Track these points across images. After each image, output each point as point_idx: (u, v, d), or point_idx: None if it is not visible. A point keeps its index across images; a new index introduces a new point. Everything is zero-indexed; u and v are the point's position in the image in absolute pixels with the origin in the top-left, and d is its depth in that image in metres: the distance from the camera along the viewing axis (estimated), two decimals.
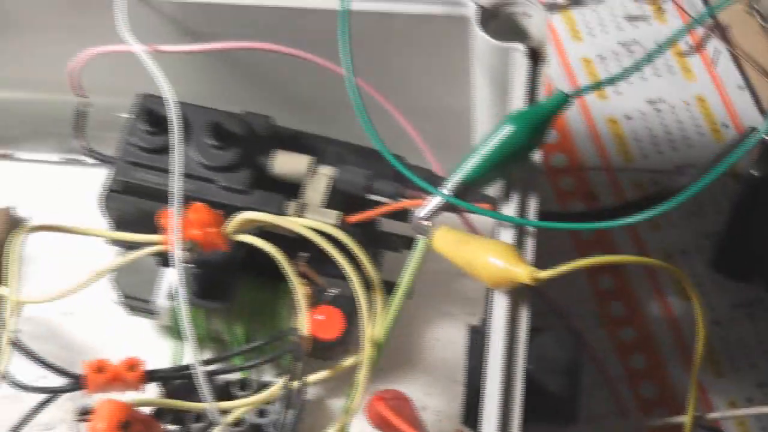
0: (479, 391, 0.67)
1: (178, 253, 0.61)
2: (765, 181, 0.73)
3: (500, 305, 0.59)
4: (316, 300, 0.65)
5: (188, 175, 0.65)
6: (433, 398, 0.70)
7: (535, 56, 0.67)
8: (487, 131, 0.72)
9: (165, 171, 0.65)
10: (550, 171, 0.84)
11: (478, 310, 0.72)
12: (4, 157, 0.82)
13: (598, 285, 0.79)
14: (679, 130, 0.84)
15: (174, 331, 0.70)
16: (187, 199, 0.64)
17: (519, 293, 0.59)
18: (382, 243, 0.69)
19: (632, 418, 0.75)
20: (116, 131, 0.71)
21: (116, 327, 0.73)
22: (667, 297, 0.79)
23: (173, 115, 0.64)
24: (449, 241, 0.61)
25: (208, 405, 0.60)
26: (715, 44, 0.88)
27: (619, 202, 0.81)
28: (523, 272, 0.56)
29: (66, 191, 0.79)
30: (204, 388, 0.60)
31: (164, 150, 0.66)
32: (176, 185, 0.62)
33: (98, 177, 0.75)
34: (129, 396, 0.64)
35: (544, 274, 0.56)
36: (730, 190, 0.79)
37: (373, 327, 0.63)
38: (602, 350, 0.77)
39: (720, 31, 0.88)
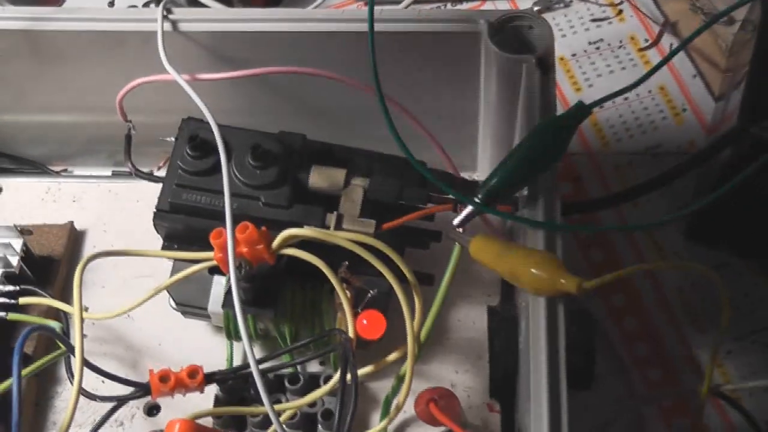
0: (504, 368, 0.54)
1: (234, 282, 0.47)
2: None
3: (541, 307, 0.45)
4: (357, 300, 0.51)
5: (232, 194, 0.50)
6: (461, 375, 0.56)
7: (543, 66, 0.52)
8: (495, 132, 0.58)
9: (210, 191, 0.52)
10: None
11: (494, 291, 0.59)
12: (64, 172, 0.67)
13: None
14: (646, 116, 0.70)
15: (226, 330, 0.54)
16: (233, 217, 0.50)
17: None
18: (412, 241, 0.54)
19: (632, 376, 0.61)
20: (160, 146, 0.56)
21: (173, 328, 0.58)
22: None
23: (220, 144, 0.49)
24: (488, 251, 0.46)
25: (267, 408, 0.46)
26: (669, 39, 0.72)
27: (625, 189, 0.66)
28: (570, 284, 0.42)
29: (117, 202, 0.64)
30: (261, 389, 0.46)
31: (208, 172, 0.52)
32: (227, 210, 0.46)
33: (145, 187, 0.61)
34: (193, 404, 0.52)
35: (590, 284, 0.42)
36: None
37: (414, 325, 0.49)
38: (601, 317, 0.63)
39: (670, 27, 0.73)
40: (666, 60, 0.50)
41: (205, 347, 0.57)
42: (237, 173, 0.51)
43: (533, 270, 0.43)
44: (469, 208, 0.47)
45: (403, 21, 0.54)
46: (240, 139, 0.52)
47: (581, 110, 0.47)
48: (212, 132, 0.51)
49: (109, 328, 0.57)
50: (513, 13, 0.53)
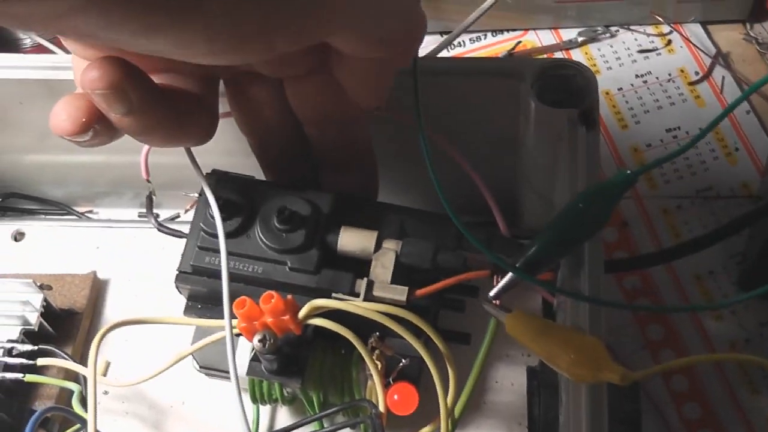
0: None
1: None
2: None
3: (583, 395, 0.41)
4: (389, 368, 0.48)
5: (257, 258, 0.48)
6: None
7: (588, 120, 0.48)
8: (539, 189, 0.55)
9: (235, 255, 0.48)
10: None
11: None
12: (89, 213, 0.65)
13: (647, 334, 0.61)
14: (696, 156, 0.66)
15: (252, 395, 0.51)
16: (257, 282, 0.48)
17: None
18: (447, 303, 0.51)
19: None
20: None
21: (198, 386, 0.55)
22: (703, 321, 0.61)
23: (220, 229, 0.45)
24: (525, 330, 0.43)
25: None
26: (720, 71, 0.68)
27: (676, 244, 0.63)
28: (615, 376, 0.38)
29: (142, 249, 0.61)
30: None
31: (233, 234, 0.48)
32: (225, 295, 0.43)
33: None
34: None
35: (636, 376, 0.39)
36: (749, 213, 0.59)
37: (447, 402, 0.46)
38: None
39: (722, 58, 0.69)
40: (728, 110, 0.46)
41: (231, 408, 0.54)
42: (262, 236, 0.48)
43: (573, 356, 0.40)
44: (506, 279, 0.44)
45: (443, 74, 0.51)
46: (267, 196, 0.48)
47: (626, 180, 0.43)
48: (237, 191, 0.48)
49: (135, 387, 0.55)
50: (555, 62, 0.50)
